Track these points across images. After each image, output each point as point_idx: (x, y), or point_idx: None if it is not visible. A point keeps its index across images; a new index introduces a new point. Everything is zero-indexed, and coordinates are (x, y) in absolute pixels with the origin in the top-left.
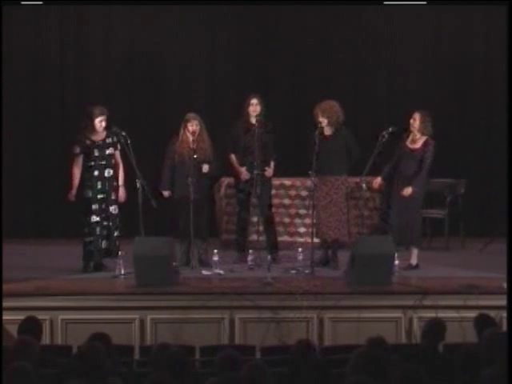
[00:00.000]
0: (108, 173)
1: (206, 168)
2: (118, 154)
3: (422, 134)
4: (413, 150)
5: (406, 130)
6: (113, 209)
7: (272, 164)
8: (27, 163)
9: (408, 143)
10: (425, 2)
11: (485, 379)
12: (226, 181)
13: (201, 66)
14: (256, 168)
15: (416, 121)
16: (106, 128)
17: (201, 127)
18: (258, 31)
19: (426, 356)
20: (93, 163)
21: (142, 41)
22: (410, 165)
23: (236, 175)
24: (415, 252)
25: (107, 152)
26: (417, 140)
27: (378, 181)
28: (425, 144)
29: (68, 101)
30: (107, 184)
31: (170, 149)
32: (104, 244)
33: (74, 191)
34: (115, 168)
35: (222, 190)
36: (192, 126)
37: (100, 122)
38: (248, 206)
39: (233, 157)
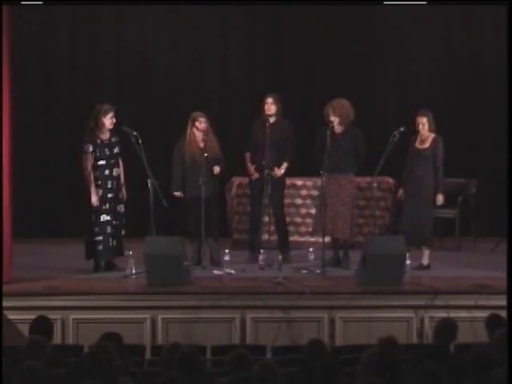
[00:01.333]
0: (116, 172)
1: (217, 170)
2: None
3: (430, 131)
4: (422, 150)
5: (414, 132)
6: (119, 208)
7: (284, 165)
8: (37, 162)
9: (417, 144)
10: (425, 2)
11: (496, 379)
12: (237, 180)
13: (212, 66)
14: (266, 167)
15: (425, 125)
16: (116, 125)
17: (208, 125)
18: (269, 31)
19: (437, 356)
20: (104, 162)
21: (154, 40)
22: (420, 164)
23: (247, 174)
24: (427, 252)
25: (115, 151)
26: (425, 139)
27: (400, 191)
28: (434, 142)
29: (78, 100)
30: (115, 183)
31: (179, 148)
32: (113, 243)
33: (97, 196)
34: (119, 167)
35: (234, 189)
36: (201, 124)
37: (111, 119)
38: (260, 205)
39: (247, 155)
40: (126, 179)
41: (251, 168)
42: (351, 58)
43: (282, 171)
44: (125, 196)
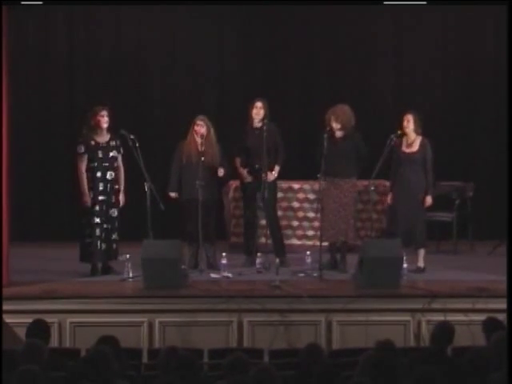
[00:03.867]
0: (110, 175)
1: (221, 172)
2: (120, 157)
3: (417, 134)
4: (412, 154)
5: (401, 132)
6: (112, 212)
7: (276, 168)
8: (35, 165)
9: (404, 148)
10: (425, 2)
11: (493, 383)
12: (234, 184)
13: (210, 68)
14: (260, 171)
15: (410, 122)
16: (110, 128)
17: (208, 130)
18: (266, 33)
19: (434, 359)
20: (96, 164)
21: (151, 42)
22: (410, 168)
23: (240, 178)
24: (422, 254)
25: (111, 154)
26: (413, 142)
27: (390, 197)
28: (422, 145)
29: (77, 102)
30: (108, 186)
31: (179, 149)
32: (102, 246)
33: (88, 196)
34: (117, 171)
35: (231, 193)
36: (198, 126)
37: (102, 117)
38: (254, 208)
39: (237, 160)
40: (125, 184)
41: (244, 172)
42: (349, 60)
43: (275, 175)
44: (123, 201)
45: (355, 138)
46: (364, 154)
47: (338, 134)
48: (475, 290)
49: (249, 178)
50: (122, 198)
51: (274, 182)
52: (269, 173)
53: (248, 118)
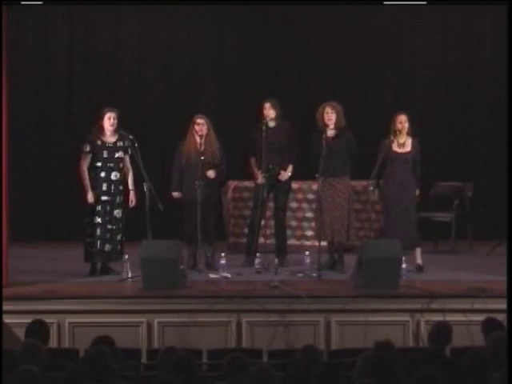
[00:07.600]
0: (115, 176)
1: (211, 174)
2: (127, 158)
3: (408, 134)
4: (406, 153)
5: (394, 133)
6: (116, 212)
7: (290, 168)
8: (34, 166)
9: (395, 147)
10: (425, 2)
11: (493, 383)
12: (233, 184)
13: (209, 68)
14: (270, 171)
15: (406, 123)
16: (117, 129)
17: (208, 129)
18: (265, 33)
19: (433, 359)
20: (100, 164)
21: (151, 42)
22: (406, 169)
23: (253, 178)
24: (419, 252)
25: (116, 155)
26: (404, 143)
27: (375, 193)
28: (416, 146)
29: (76, 103)
30: (113, 187)
31: (179, 149)
32: (107, 247)
33: (91, 193)
34: (124, 172)
35: (230, 193)
36: (198, 125)
37: (109, 120)
38: (263, 209)
39: (252, 160)
40: (135, 184)
41: (258, 173)
42: (349, 60)
43: (289, 174)
44: (134, 201)
45: (347, 136)
46: (355, 152)
47: (331, 133)
48: (474, 290)
49: (262, 180)
50: (132, 197)
51: (288, 182)
52: (282, 172)
53: (261, 117)
